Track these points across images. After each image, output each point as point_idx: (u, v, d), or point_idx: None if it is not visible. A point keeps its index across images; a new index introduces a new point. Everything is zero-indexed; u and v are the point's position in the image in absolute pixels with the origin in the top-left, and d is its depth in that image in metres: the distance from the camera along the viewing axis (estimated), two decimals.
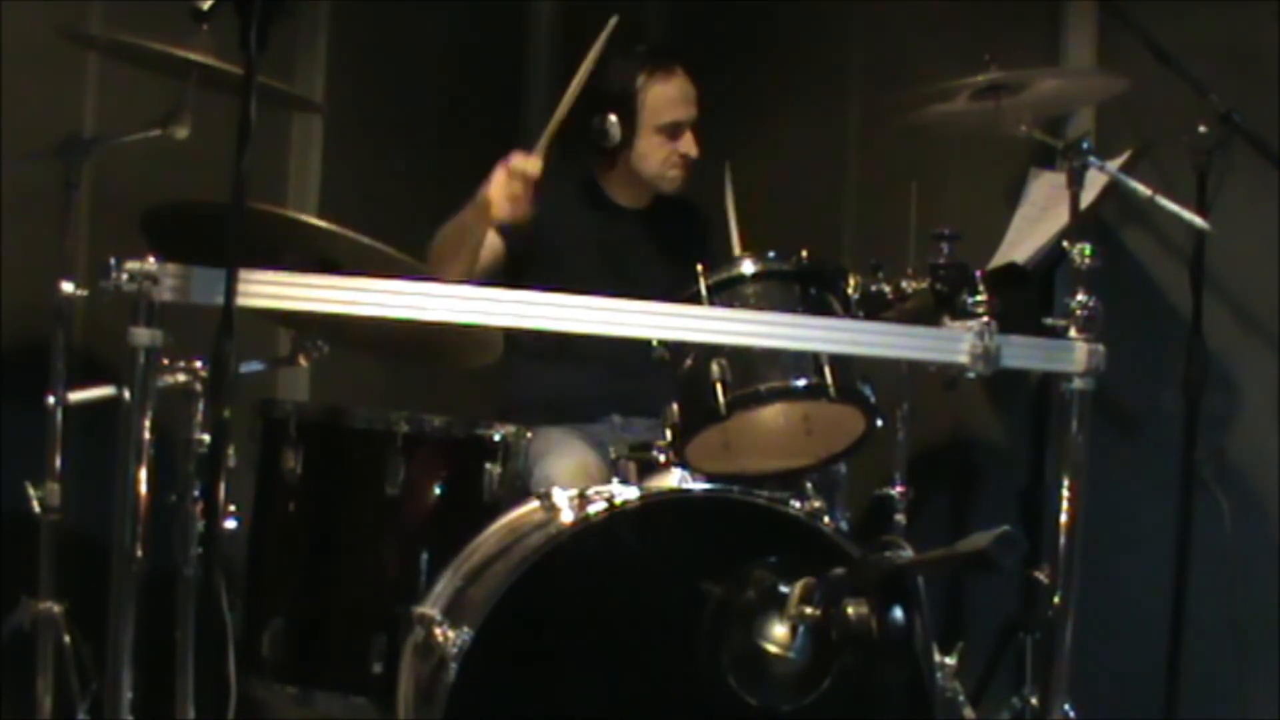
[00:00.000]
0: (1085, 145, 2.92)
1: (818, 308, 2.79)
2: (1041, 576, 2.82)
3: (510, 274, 3.42)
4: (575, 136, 3.39)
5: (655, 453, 2.80)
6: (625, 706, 2.47)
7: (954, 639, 3.18)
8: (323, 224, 2.63)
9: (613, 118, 3.43)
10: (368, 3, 4.17)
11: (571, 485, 2.76)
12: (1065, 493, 2.68)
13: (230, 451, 2.19)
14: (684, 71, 3.50)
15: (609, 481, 2.75)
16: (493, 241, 3.41)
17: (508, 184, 3.18)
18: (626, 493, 2.58)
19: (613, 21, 3.19)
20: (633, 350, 2.76)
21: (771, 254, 2.83)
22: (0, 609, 2.95)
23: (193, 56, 2.82)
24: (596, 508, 2.54)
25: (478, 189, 3.23)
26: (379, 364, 3.72)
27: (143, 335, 2.23)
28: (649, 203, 3.60)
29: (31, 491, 2.90)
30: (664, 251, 3.57)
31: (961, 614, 3.86)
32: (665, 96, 3.46)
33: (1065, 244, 2.85)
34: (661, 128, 3.46)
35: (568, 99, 3.16)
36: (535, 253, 3.46)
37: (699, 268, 2.78)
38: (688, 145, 3.48)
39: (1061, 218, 3.12)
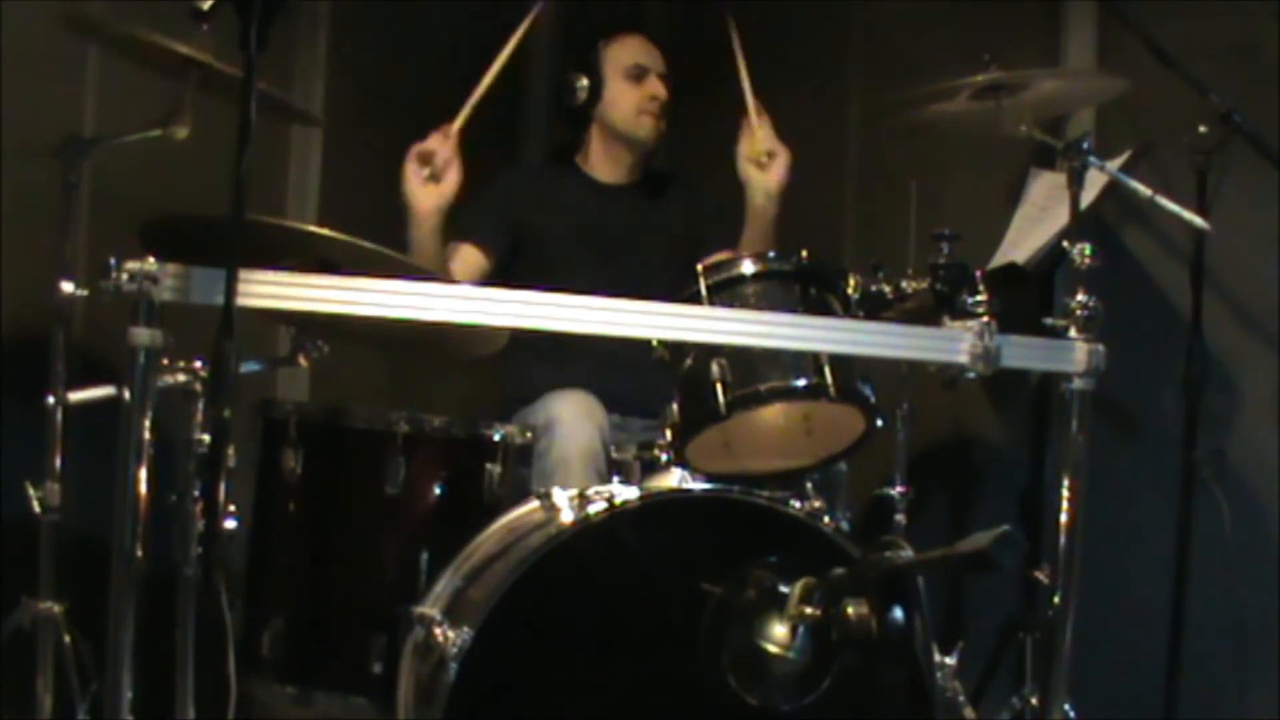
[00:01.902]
0: (1085, 145, 2.92)
1: (818, 308, 2.79)
2: (1041, 576, 2.83)
3: (503, 274, 3.43)
4: (553, 118, 3.43)
5: (655, 452, 2.80)
6: (625, 706, 2.47)
7: (954, 639, 3.17)
8: (323, 231, 2.62)
9: (581, 77, 3.55)
10: (368, 5, 4.16)
11: (575, 421, 2.73)
12: (1065, 493, 2.68)
13: (230, 451, 2.19)
14: (645, 36, 3.63)
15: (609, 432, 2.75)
16: (470, 255, 3.42)
17: (416, 172, 3.23)
18: (626, 493, 2.58)
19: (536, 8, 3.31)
20: (631, 349, 2.76)
21: (771, 254, 2.85)
22: (0, 609, 2.95)
23: (192, 53, 2.82)
24: (596, 508, 2.54)
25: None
26: (379, 364, 3.71)
27: (143, 335, 2.22)
28: (635, 178, 3.62)
29: (31, 491, 2.90)
30: (652, 226, 3.60)
31: (961, 614, 3.85)
32: (625, 46, 3.58)
33: (1065, 244, 2.85)
34: (627, 71, 3.56)
35: (492, 73, 3.24)
36: (523, 243, 3.47)
37: (699, 268, 2.79)
38: (654, 87, 3.56)
39: (1061, 218, 3.12)
